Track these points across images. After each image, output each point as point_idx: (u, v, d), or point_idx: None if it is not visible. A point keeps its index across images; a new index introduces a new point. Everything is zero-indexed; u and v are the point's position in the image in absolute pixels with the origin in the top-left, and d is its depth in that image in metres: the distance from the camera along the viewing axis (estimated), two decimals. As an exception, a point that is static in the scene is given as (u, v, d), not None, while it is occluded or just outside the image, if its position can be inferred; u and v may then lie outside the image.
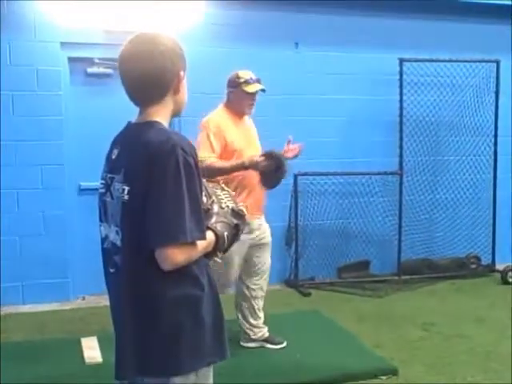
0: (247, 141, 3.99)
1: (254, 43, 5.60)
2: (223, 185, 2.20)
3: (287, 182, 5.67)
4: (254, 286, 4.14)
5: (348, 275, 6.05)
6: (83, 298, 5.39)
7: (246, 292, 4.15)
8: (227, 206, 2.06)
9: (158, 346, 1.90)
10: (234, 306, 4.18)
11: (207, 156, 3.78)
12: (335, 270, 6.10)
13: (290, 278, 5.92)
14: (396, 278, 6.00)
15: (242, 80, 3.90)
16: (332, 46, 5.87)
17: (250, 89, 3.90)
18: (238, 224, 2.07)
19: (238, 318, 4.20)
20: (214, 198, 2.04)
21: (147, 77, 1.90)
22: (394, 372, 3.88)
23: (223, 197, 2.09)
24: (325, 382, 3.76)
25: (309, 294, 5.64)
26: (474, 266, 6.29)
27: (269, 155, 3.75)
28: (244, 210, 2.11)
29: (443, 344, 4.40)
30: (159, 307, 1.89)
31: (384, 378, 3.82)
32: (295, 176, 5.70)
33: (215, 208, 2.02)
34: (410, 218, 6.20)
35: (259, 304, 4.20)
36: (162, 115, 1.95)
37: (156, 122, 1.92)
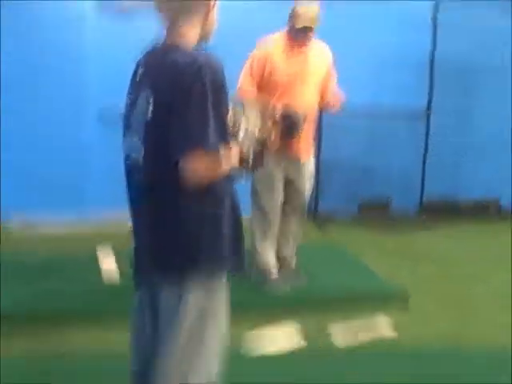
0: (297, 74, 3.83)
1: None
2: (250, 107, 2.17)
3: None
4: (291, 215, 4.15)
5: (368, 212, 6.03)
6: (100, 215, 5.40)
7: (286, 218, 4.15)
8: (253, 133, 2.05)
9: (175, 249, 1.93)
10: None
11: (243, 89, 3.75)
12: (356, 206, 6.08)
13: (309, 212, 5.91)
14: (417, 217, 5.98)
15: (294, 13, 3.77)
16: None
17: (298, 24, 3.75)
18: (264, 142, 2.07)
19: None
20: (241, 121, 2.03)
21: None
22: (406, 300, 3.92)
23: (253, 119, 2.08)
24: (336, 305, 3.82)
25: (328, 229, 5.64)
26: (496, 210, 6.23)
27: (284, 116, 3.53)
28: (267, 139, 2.10)
29: (460, 283, 4.40)
30: (180, 220, 1.91)
31: (395, 305, 3.86)
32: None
33: (241, 132, 2.02)
34: (434, 158, 6.11)
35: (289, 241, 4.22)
36: (189, 37, 1.93)
37: (182, 43, 1.90)
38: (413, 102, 5.95)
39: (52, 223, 5.17)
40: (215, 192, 1.93)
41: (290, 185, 4.04)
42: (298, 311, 3.71)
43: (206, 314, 2.00)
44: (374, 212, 6.03)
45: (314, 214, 5.85)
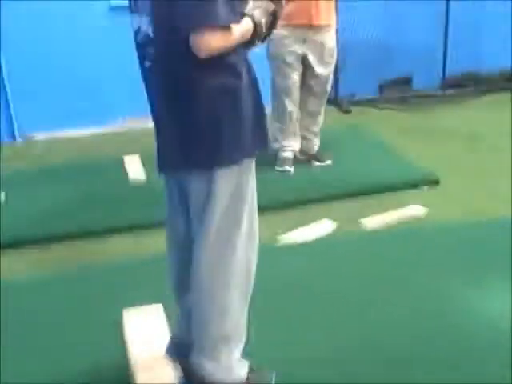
0: None
1: None
2: None
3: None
4: (316, 88, 4.10)
5: (390, 91, 5.91)
6: (124, 121, 5.38)
7: (310, 96, 4.12)
8: None
9: (198, 138, 1.88)
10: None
11: None
12: (376, 87, 5.95)
13: (329, 95, 5.80)
14: (440, 92, 5.84)
15: None
16: None
17: None
18: (275, 10, 1.95)
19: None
20: None
21: None
22: (435, 182, 3.89)
23: None
24: (364, 191, 3.79)
25: (349, 111, 5.56)
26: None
27: None
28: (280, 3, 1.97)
29: (488, 157, 4.34)
30: (197, 97, 1.84)
31: (425, 187, 3.84)
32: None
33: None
34: (455, 29, 5.88)
35: (320, 109, 4.20)
36: None
37: None
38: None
39: (76, 134, 5.17)
40: (231, 64, 1.86)
41: (307, 64, 3.97)
42: (327, 201, 3.70)
43: (237, 198, 1.97)
44: (396, 90, 5.90)
45: (335, 95, 5.73)
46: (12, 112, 5.12)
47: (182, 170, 1.96)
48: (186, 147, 1.90)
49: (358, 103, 5.74)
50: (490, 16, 6.02)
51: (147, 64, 1.92)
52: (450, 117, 5.27)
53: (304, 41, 3.88)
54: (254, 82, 1.95)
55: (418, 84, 6.01)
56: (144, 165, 4.24)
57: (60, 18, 5.02)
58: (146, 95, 2.00)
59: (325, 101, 4.21)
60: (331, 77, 4.15)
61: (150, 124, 2.02)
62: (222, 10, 1.70)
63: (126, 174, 4.18)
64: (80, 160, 4.61)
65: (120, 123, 5.36)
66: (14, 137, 5.16)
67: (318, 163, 4.20)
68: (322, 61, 3.98)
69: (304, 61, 3.97)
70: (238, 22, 1.78)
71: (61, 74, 5.14)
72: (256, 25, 1.88)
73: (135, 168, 4.25)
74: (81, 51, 5.13)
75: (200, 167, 1.92)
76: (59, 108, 5.19)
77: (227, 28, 1.74)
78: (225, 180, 1.93)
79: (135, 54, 1.96)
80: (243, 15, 1.85)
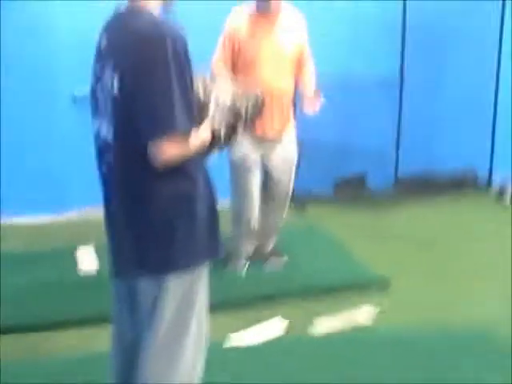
0: (268, 51, 3.71)
1: None
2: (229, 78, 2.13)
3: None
4: (275, 195, 4.11)
5: (344, 189, 6.02)
6: (80, 210, 5.35)
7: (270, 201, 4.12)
8: (225, 103, 2.01)
9: (151, 244, 1.91)
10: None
11: (216, 60, 3.70)
12: (331, 185, 6.06)
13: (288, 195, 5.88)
14: (393, 193, 5.98)
15: None
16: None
17: None
18: (233, 124, 2.03)
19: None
20: (211, 94, 1.99)
21: None
22: (386, 284, 3.91)
23: (223, 92, 2.03)
24: (314, 292, 3.80)
25: (304, 208, 5.63)
26: (471, 182, 6.25)
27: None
28: (243, 110, 2.05)
29: (439, 259, 4.41)
30: (151, 204, 1.87)
31: (375, 289, 3.86)
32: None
33: (212, 104, 1.98)
34: (408, 130, 6.06)
35: (281, 212, 4.19)
36: (151, 2, 1.87)
37: (144, 10, 1.85)
38: (385, 71, 5.86)
39: (32, 221, 5.11)
40: (188, 172, 1.90)
41: (267, 170, 3.97)
42: (278, 301, 3.70)
43: (187, 303, 1.99)
44: (350, 190, 6.01)
45: (292, 194, 5.81)
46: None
47: (133, 273, 1.96)
48: (138, 252, 1.92)
49: (313, 200, 5.82)
50: (441, 119, 6.25)
51: (104, 169, 1.95)
52: (402, 217, 5.37)
53: (263, 147, 3.87)
54: (209, 190, 2.00)
55: (371, 183, 6.15)
56: (97, 256, 4.19)
57: (21, 106, 5.05)
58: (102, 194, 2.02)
59: (286, 205, 4.17)
60: (291, 183, 4.11)
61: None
62: (179, 119, 1.75)
63: (77, 264, 4.13)
64: (33, 248, 4.53)
65: (76, 212, 5.32)
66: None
67: (271, 262, 4.19)
68: (281, 166, 3.98)
69: (264, 166, 3.95)
70: (196, 131, 1.82)
71: (20, 160, 5.12)
72: (215, 135, 1.94)
73: (88, 259, 4.20)
74: (42, 139, 5.14)
75: (151, 272, 1.92)
76: (16, 194, 5.14)
77: (184, 137, 1.78)
78: (175, 286, 1.94)
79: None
80: (201, 125, 1.91)
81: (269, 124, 3.74)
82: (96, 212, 4.59)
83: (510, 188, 5.94)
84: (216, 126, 1.96)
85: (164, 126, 1.75)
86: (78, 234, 4.78)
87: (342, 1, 5.59)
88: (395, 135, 6.01)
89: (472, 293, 3.84)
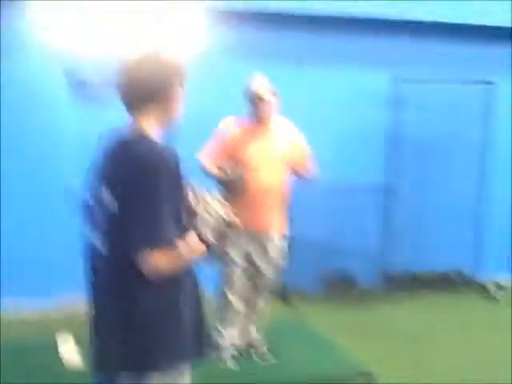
0: (262, 155, 3.90)
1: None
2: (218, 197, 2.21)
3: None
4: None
5: (333, 286, 6.03)
6: (60, 303, 5.28)
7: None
8: (216, 213, 2.08)
9: (136, 342, 1.93)
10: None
11: (201, 153, 3.88)
12: (319, 281, 6.08)
13: (273, 288, 5.88)
14: (381, 290, 5.99)
15: (248, 90, 3.92)
16: (325, 63, 5.85)
17: (252, 98, 3.89)
18: (224, 233, 2.09)
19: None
20: (202, 203, 2.06)
21: (141, 84, 1.97)
22: (372, 380, 3.89)
23: (213, 203, 2.11)
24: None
25: (291, 303, 5.62)
26: (457, 281, 6.30)
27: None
28: (234, 220, 2.13)
29: (426, 357, 4.39)
30: (139, 310, 1.92)
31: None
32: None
33: (203, 214, 2.05)
34: (396, 229, 6.16)
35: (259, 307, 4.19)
36: (151, 124, 1.99)
37: (143, 132, 1.96)
38: (372, 177, 6.05)
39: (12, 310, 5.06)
40: (175, 279, 1.95)
41: (253, 263, 4.02)
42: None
43: None
44: (339, 287, 6.03)
45: (280, 289, 5.82)
46: None
47: (114, 369, 1.97)
48: (121, 349, 1.94)
49: (301, 297, 5.82)
50: (429, 218, 6.39)
51: (95, 277, 2.03)
52: (391, 314, 5.39)
53: (250, 239, 3.93)
54: (197, 294, 2.06)
55: (360, 280, 6.17)
56: (78, 346, 4.13)
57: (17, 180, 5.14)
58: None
59: (268, 300, 4.21)
60: (276, 276, 4.16)
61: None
62: (167, 231, 1.83)
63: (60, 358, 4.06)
64: (9, 339, 4.44)
65: (56, 299, 5.25)
66: None
67: (257, 354, 4.16)
68: (267, 259, 4.03)
69: (249, 258, 4.01)
70: (183, 241, 1.89)
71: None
72: (205, 243, 2.01)
73: (69, 351, 4.14)
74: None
75: (133, 369, 1.94)
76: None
77: (174, 248, 1.86)
78: (157, 382, 1.94)
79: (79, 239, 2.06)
80: (190, 234, 1.98)
81: (260, 218, 3.87)
82: (75, 300, 4.65)
83: (495, 284, 6.01)
84: (203, 237, 2.02)
85: (151, 240, 1.83)
86: (57, 323, 4.73)
87: (327, 111, 5.83)
88: (383, 233, 6.07)
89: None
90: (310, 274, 6.02)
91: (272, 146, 3.96)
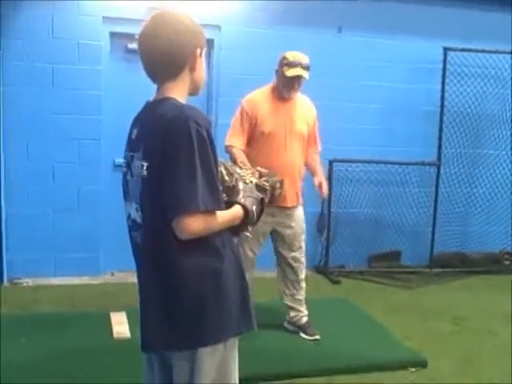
0: (283, 125, 3.91)
1: (297, 27, 5.53)
2: (241, 164, 2.25)
3: (322, 167, 5.64)
4: (291, 260, 4.11)
5: (379, 265, 6.00)
6: (112, 274, 5.42)
7: (287, 267, 4.13)
8: (251, 182, 2.10)
9: (183, 319, 1.92)
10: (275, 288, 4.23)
11: (231, 145, 3.85)
12: (366, 259, 6.06)
13: (320, 265, 5.89)
14: (427, 270, 5.93)
15: (285, 61, 3.85)
16: (375, 32, 5.77)
17: (289, 72, 3.83)
18: (262, 198, 2.11)
19: (282, 295, 4.19)
20: (236, 175, 2.07)
21: (163, 53, 1.93)
22: (422, 364, 3.83)
23: (245, 174, 2.13)
24: (350, 370, 3.72)
25: (338, 282, 5.61)
26: (507, 262, 6.20)
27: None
28: (267, 184, 2.15)
29: (473, 339, 4.34)
30: (181, 281, 1.90)
31: (412, 369, 3.78)
32: (330, 162, 5.65)
33: (240, 184, 2.06)
34: (444, 210, 6.10)
35: (301, 277, 4.16)
36: (177, 92, 1.97)
37: (170, 97, 1.94)
38: (422, 152, 5.95)
39: (65, 282, 5.18)
40: (214, 248, 1.93)
41: (278, 237, 4.06)
42: (314, 377, 3.63)
43: (223, 373, 1.99)
44: (385, 264, 5.99)
45: (325, 266, 5.82)
46: (3, 255, 5.14)
47: (164, 349, 1.98)
48: (170, 327, 1.93)
49: (347, 274, 5.81)
50: (477, 200, 6.28)
51: (135, 246, 2.02)
52: (437, 296, 5.32)
53: (272, 215, 3.92)
54: (238, 265, 2.03)
55: (406, 260, 6.12)
56: (129, 321, 4.18)
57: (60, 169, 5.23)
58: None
59: (303, 269, 4.19)
60: (304, 247, 4.16)
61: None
62: (203, 197, 1.80)
63: (110, 329, 4.12)
64: (65, 311, 4.56)
65: (109, 276, 5.38)
66: (1, 280, 5.13)
67: (305, 336, 4.15)
68: (292, 233, 4.05)
69: (275, 234, 4.05)
70: (218, 206, 1.87)
71: (55, 223, 5.26)
72: (248, 212, 2.01)
73: (120, 325, 4.19)
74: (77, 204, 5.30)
75: (183, 348, 1.94)
76: (49, 255, 5.24)
77: (209, 213, 1.83)
78: (209, 357, 1.95)
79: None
80: (234, 203, 1.98)
81: (284, 192, 3.84)
82: (128, 276, 4.76)
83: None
84: (248, 204, 2.02)
85: (185, 204, 1.80)
86: (110, 298, 4.84)
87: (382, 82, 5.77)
88: (432, 213, 5.99)
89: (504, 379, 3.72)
90: (356, 250, 6.01)
91: (294, 121, 3.96)
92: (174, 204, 1.80)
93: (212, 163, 1.84)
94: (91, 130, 5.22)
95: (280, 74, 3.88)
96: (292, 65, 3.82)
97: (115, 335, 4.03)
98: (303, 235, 4.15)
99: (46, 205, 5.22)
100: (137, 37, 1.99)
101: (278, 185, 2.28)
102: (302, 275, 4.18)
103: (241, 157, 3.75)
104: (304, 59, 3.85)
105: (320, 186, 4.07)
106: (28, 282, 5.14)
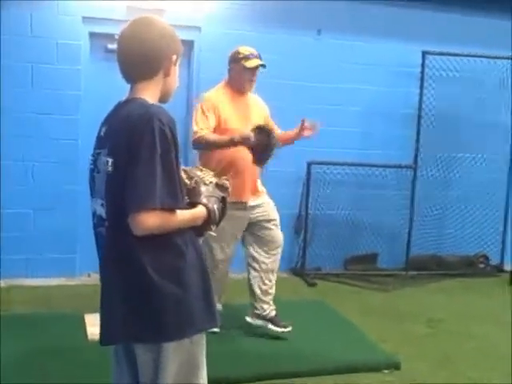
0: (244, 120, 3.98)
1: (278, 29, 5.56)
2: (200, 167, 2.30)
3: (300, 170, 5.68)
4: (265, 260, 4.14)
5: (355, 267, 6.05)
6: (89, 275, 5.39)
7: (257, 266, 4.14)
8: (210, 182, 2.14)
9: (145, 314, 1.94)
10: (246, 288, 4.21)
11: (200, 129, 3.86)
12: (342, 262, 6.09)
13: (296, 267, 5.92)
14: (403, 272, 5.98)
15: (241, 55, 3.96)
16: (354, 35, 5.81)
17: (249, 64, 3.94)
18: (224, 197, 2.15)
19: (250, 291, 4.19)
20: (196, 178, 2.10)
21: (140, 54, 1.98)
22: (396, 366, 3.87)
23: (204, 175, 2.17)
24: (325, 371, 3.75)
25: (315, 284, 5.64)
26: (482, 266, 6.29)
27: (258, 129, 3.79)
28: (227, 182, 2.19)
29: (448, 341, 4.38)
30: (142, 277, 1.92)
31: (386, 371, 3.82)
32: (308, 164, 5.68)
33: (200, 186, 2.09)
34: (421, 212, 6.15)
35: (270, 278, 4.17)
36: (148, 93, 2.01)
37: (140, 98, 1.98)
38: (400, 155, 6.00)
39: (40, 283, 5.15)
40: (175, 246, 1.96)
41: (254, 221, 4.10)
42: (285, 378, 3.64)
43: (188, 368, 2.02)
44: (361, 267, 6.03)
45: (302, 267, 5.85)
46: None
47: (126, 340, 2.01)
48: (131, 321, 1.96)
49: (323, 277, 5.84)
50: (453, 203, 6.35)
51: (99, 242, 2.05)
52: (412, 299, 5.37)
53: (244, 210, 4.01)
54: (201, 263, 2.06)
55: (382, 262, 6.18)
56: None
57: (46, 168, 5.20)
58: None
59: (278, 256, 4.21)
60: (279, 232, 4.19)
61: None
62: (161, 194, 1.83)
63: (85, 331, 4.10)
64: (41, 311, 4.53)
65: (85, 277, 5.37)
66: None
67: (275, 328, 4.15)
68: (268, 215, 4.12)
69: (251, 224, 4.09)
70: (176, 204, 1.89)
71: (35, 223, 5.24)
72: (210, 212, 2.04)
73: (95, 326, 4.15)
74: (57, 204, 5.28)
75: (146, 340, 1.97)
76: (27, 255, 5.22)
77: (166, 211, 1.86)
78: (174, 354, 1.98)
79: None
80: (197, 204, 2.01)
81: (246, 187, 3.98)
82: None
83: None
84: (209, 204, 2.05)
85: (144, 200, 1.82)
86: (85, 299, 4.74)
87: (361, 85, 5.84)
88: (407, 216, 6.03)
89: (481, 379, 3.78)
90: (333, 252, 6.04)
91: (252, 115, 4.06)
92: (131, 200, 1.83)
93: (173, 162, 1.88)
94: (71, 129, 5.20)
95: (239, 68, 3.96)
96: (250, 57, 3.95)
97: (90, 337, 4.02)
98: (277, 216, 4.18)
99: (24, 204, 5.19)
100: (117, 37, 2.01)
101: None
102: (275, 263, 4.19)
103: (215, 137, 3.83)
104: (255, 51, 4.00)
105: (303, 121, 4.08)
106: (1, 282, 5.10)
